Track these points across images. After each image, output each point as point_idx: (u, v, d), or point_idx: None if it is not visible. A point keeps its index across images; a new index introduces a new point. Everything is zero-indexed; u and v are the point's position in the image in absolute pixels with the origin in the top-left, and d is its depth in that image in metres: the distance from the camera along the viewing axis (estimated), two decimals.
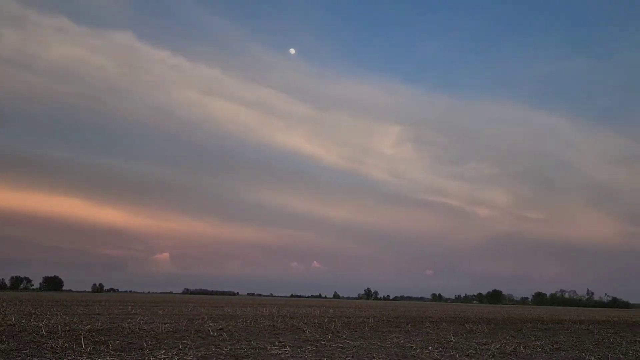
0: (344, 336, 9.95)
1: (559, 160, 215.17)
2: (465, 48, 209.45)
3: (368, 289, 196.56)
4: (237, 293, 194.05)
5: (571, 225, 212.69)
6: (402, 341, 9.26)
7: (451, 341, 9.62)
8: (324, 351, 7.46)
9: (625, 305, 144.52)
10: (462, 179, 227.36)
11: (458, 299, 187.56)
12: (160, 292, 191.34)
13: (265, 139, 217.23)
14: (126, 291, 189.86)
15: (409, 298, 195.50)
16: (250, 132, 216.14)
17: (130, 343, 7.70)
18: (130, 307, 22.48)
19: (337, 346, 8.18)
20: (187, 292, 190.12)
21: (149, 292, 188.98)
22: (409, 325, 14.11)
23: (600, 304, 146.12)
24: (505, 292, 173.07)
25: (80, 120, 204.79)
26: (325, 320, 15.24)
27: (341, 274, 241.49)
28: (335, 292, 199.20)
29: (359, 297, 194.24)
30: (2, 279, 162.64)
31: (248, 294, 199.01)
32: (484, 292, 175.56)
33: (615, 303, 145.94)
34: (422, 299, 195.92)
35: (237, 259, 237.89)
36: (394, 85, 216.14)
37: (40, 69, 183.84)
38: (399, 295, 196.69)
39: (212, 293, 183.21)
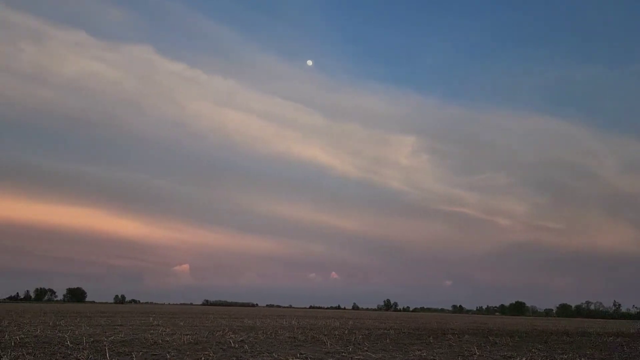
0: (365, 348, 9.88)
1: (576, 167, 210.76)
2: (473, 56, 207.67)
3: (387, 300, 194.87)
4: (257, 304, 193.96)
5: (591, 234, 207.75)
6: (424, 354, 9.15)
7: (475, 354, 9.48)
8: None
9: None
10: (478, 189, 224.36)
11: (480, 310, 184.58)
12: (180, 304, 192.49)
13: (279, 150, 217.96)
14: (147, 302, 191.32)
15: (429, 309, 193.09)
16: (264, 143, 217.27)
17: (154, 355, 7.76)
18: (151, 319, 22.65)
19: (358, 358, 8.13)
20: (206, 303, 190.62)
21: (169, 303, 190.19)
22: (431, 338, 13.94)
23: (628, 316, 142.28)
24: (528, 303, 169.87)
25: (95, 134, 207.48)
26: (346, 332, 15.15)
27: (360, 284, 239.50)
28: (354, 303, 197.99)
29: (379, 309, 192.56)
30: (27, 290, 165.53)
31: (267, 305, 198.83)
32: (507, 304, 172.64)
33: None
34: (442, 310, 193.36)
35: (254, 271, 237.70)
36: (405, 96, 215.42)
37: (57, 83, 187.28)
38: (418, 307, 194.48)
39: (231, 304, 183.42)
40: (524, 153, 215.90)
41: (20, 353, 7.52)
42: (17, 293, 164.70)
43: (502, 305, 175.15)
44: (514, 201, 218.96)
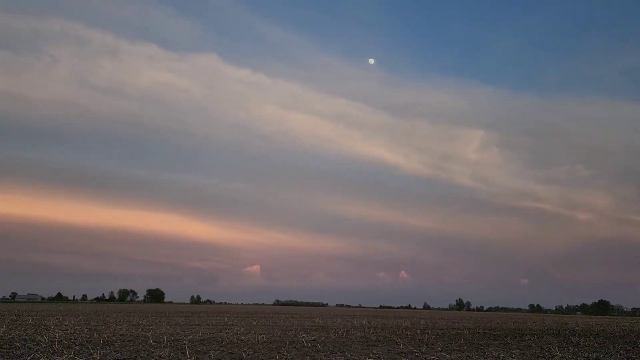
0: (439, 348, 9.67)
1: None
2: (546, 43, 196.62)
3: (460, 299, 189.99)
4: (327, 304, 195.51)
5: None
6: (502, 355, 8.82)
7: (557, 355, 9.02)
8: None
9: None
10: (555, 182, 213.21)
11: (559, 309, 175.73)
12: (253, 304, 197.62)
13: (345, 150, 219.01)
14: (221, 302, 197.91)
15: (504, 309, 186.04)
16: (330, 144, 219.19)
17: (231, 353, 8.00)
18: (226, 318, 23.40)
19: (433, 359, 7.97)
20: (277, 303, 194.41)
21: (241, 304, 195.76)
22: (508, 338, 13.43)
23: None
24: (613, 302, 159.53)
25: (169, 142, 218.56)
26: (418, 332, 14.91)
27: (430, 284, 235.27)
28: (425, 302, 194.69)
29: (450, 308, 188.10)
30: (112, 292, 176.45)
31: (337, 304, 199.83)
32: (589, 302, 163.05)
33: None
34: (518, 309, 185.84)
35: (323, 271, 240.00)
36: (473, 88, 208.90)
37: (131, 95, 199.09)
38: (493, 306, 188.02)
39: (301, 304, 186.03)
40: (606, 142, 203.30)
41: (108, 350, 8.01)
42: (103, 294, 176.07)
43: (584, 305, 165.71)
44: (596, 194, 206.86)
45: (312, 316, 31.51)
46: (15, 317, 20.43)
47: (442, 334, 14.52)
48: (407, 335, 13.52)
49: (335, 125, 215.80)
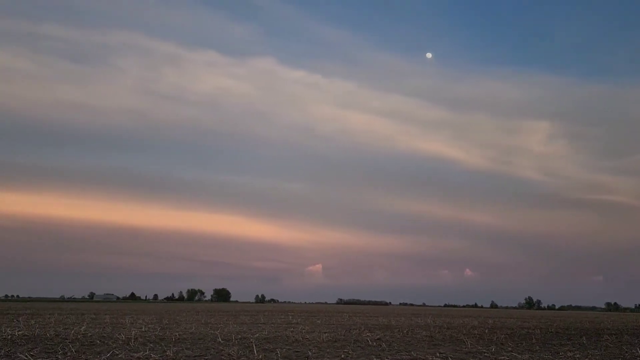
0: (509, 348, 9.35)
1: None
2: (612, 26, 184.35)
3: (529, 297, 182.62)
4: (390, 303, 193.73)
5: None
6: (577, 355, 8.41)
7: (638, 356, 8.49)
8: None
9: None
10: (630, 173, 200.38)
11: (639, 308, 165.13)
12: (316, 302, 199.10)
13: (404, 147, 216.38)
14: (285, 301, 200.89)
15: (578, 307, 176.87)
16: (388, 141, 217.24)
17: (296, 351, 8.12)
18: (290, 317, 23.73)
19: (503, 359, 7.72)
20: (340, 302, 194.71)
21: (305, 302, 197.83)
22: (584, 338, 12.77)
23: None
24: None
25: (230, 145, 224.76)
26: (486, 332, 14.48)
27: (497, 281, 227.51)
28: (492, 301, 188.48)
29: (520, 307, 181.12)
30: (181, 291, 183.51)
31: (400, 303, 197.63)
32: None
33: None
34: (593, 308, 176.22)
35: (386, 269, 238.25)
36: (535, 78, 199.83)
37: (194, 101, 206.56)
38: (565, 305, 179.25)
39: (364, 303, 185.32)
40: None
41: (180, 348, 8.34)
42: (173, 294, 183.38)
43: None
44: None
45: (375, 315, 31.37)
46: (94, 316, 21.71)
47: (511, 333, 14.03)
48: (475, 334, 13.17)
49: (393, 122, 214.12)
